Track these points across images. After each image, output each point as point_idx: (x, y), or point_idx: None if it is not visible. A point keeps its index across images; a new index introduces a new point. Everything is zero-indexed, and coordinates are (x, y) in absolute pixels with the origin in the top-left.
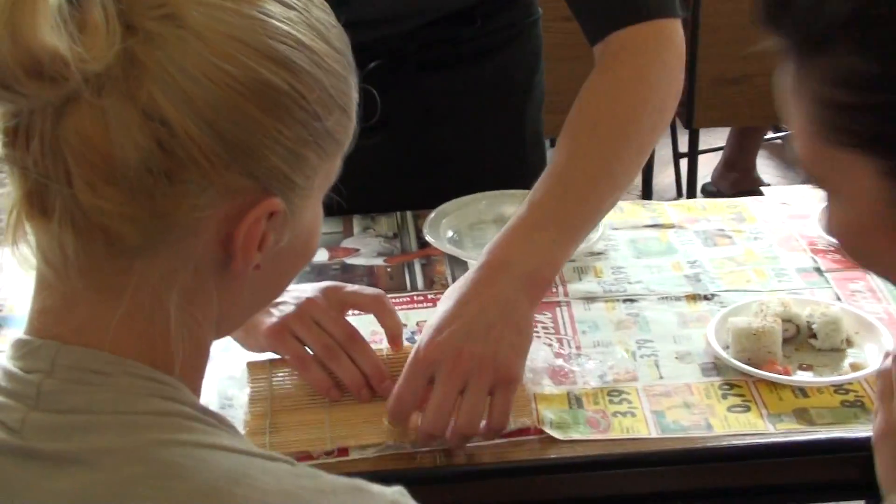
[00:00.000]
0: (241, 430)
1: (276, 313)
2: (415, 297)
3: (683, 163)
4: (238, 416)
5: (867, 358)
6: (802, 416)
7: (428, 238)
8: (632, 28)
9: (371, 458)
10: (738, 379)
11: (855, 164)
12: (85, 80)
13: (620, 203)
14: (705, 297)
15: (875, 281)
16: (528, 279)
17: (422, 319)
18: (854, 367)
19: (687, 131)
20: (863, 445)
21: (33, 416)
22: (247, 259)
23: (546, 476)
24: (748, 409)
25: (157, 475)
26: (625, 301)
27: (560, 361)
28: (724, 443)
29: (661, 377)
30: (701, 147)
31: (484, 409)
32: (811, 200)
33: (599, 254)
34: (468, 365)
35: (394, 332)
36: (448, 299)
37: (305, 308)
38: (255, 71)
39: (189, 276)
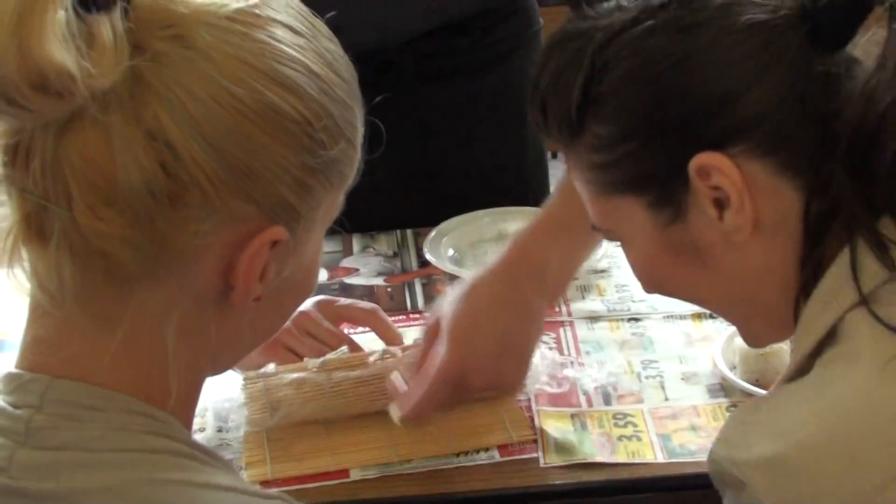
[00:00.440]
0: (238, 452)
1: None
2: (410, 315)
3: None
4: (236, 437)
5: None
6: None
7: (428, 257)
8: None
9: (372, 482)
10: (745, 400)
11: (627, 206)
12: (91, 96)
13: None
14: (711, 316)
15: None
16: (545, 283)
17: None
18: None
19: None
20: None
21: (21, 453)
22: (247, 290)
23: (550, 502)
24: None
25: None
26: (629, 320)
27: (558, 358)
28: None
29: (667, 399)
30: None
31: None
32: None
33: (603, 271)
34: (496, 381)
35: (394, 343)
36: (465, 301)
37: (299, 321)
38: (263, 95)
39: (188, 306)
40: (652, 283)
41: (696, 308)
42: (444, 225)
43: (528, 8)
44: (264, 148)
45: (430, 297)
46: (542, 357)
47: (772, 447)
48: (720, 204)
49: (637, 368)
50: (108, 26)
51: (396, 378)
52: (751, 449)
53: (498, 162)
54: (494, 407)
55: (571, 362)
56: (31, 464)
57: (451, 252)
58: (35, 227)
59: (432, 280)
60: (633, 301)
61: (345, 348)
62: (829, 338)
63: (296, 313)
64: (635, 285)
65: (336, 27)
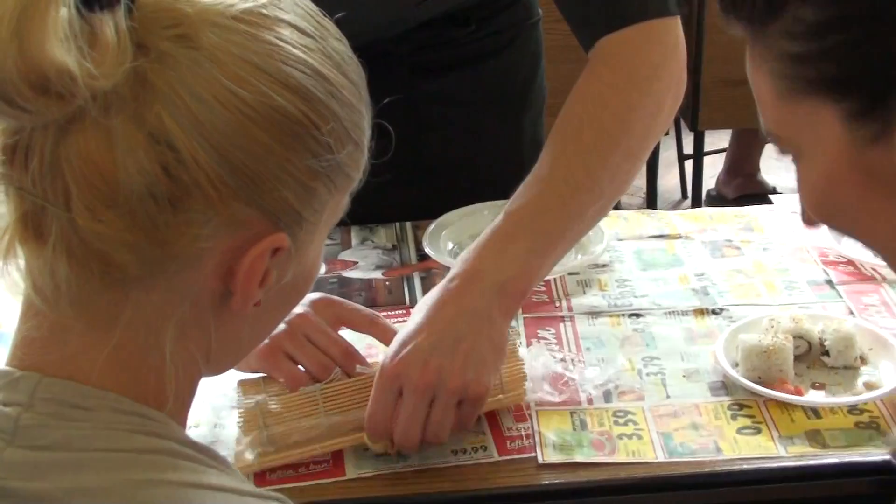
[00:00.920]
0: (233, 448)
1: None
2: (409, 310)
3: (688, 164)
4: (231, 435)
5: (882, 376)
6: (815, 438)
7: (428, 250)
8: (620, 32)
9: (368, 480)
10: (747, 399)
11: (819, 112)
12: (92, 97)
13: (624, 213)
14: (713, 312)
15: (889, 294)
16: (501, 290)
17: None
18: (868, 386)
19: (692, 133)
20: (879, 470)
21: (9, 452)
22: (247, 295)
23: (548, 501)
24: (759, 430)
25: None
26: (630, 316)
27: (560, 367)
28: (734, 467)
29: (668, 396)
30: (706, 149)
31: (451, 421)
32: None
33: (604, 266)
34: (433, 378)
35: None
36: (418, 312)
37: (297, 325)
38: (269, 97)
39: (186, 310)
40: (823, 212)
41: (697, 304)
42: (443, 218)
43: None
44: (269, 151)
45: (428, 291)
46: (544, 366)
47: None
48: None
49: (638, 365)
50: (111, 25)
51: None
52: None
53: (495, 154)
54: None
55: (573, 360)
56: (18, 463)
57: (450, 245)
58: (32, 227)
59: (431, 273)
60: (635, 296)
61: (338, 370)
62: None
63: (293, 315)
64: (637, 280)
65: (333, 18)
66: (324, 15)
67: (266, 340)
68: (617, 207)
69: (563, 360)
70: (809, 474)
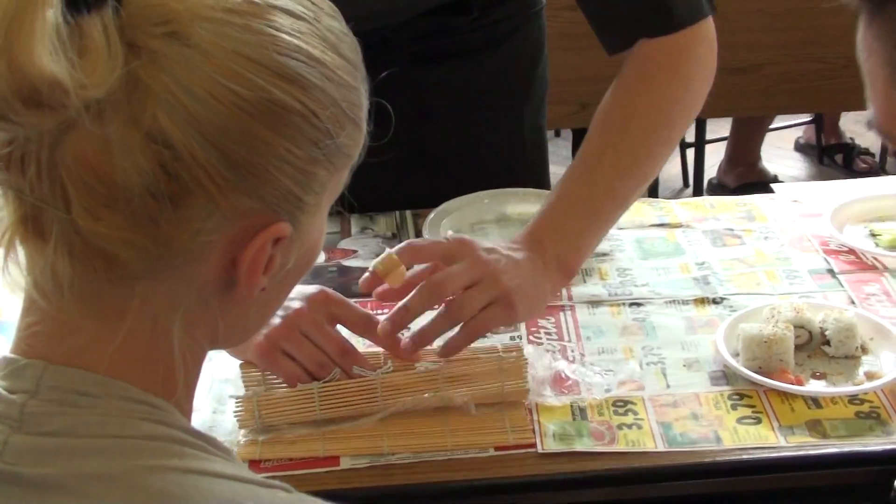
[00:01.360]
0: (233, 436)
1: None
2: None
3: (690, 153)
4: (229, 420)
5: (883, 366)
6: (815, 428)
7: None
8: (664, 38)
9: (363, 471)
10: (748, 388)
11: None
12: (85, 107)
13: None
14: (714, 301)
15: (891, 283)
16: (559, 262)
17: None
18: (869, 376)
19: (694, 121)
20: (879, 460)
21: (16, 438)
22: (252, 283)
23: (547, 492)
24: (759, 420)
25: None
26: (630, 305)
27: (562, 366)
28: (734, 457)
29: (669, 386)
30: (708, 137)
31: (473, 311)
32: (823, 198)
33: (605, 255)
34: (486, 271)
35: (392, 347)
36: (500, 248)
37: (293, 321)
38: (265, 89)
39: (192, 301)
40: None
41: (698, 293)
42: (443, 206)
43: None
44: (268, 144)
45: None
46: (546, 368)
47: None
48: None
49: (638, 355)
50: (99, 29)
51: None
52: None
53: (496, 143)
54: (499, 412)
55: (573, 351)
56: (25, 449)
57: (450, 233)
58: (33, 228)
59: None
60: (635, 286)
61: (337, 370)
62: None
63: (290, 311)
64: (637, 269)
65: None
66: None
67: (262, 338)
68: None
69: (564, 355)
70: (810, 464)
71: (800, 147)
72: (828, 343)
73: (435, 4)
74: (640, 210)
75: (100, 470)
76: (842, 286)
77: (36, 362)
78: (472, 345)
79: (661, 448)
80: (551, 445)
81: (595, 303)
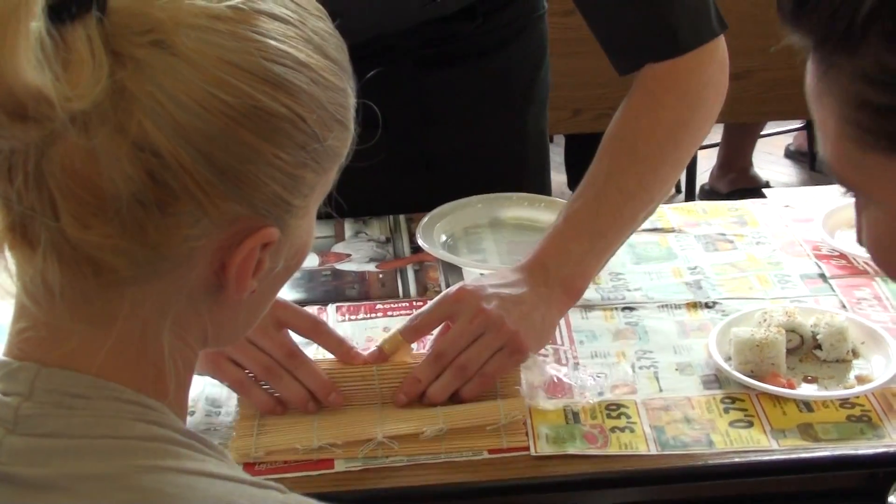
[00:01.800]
0: (229, 435)
1: None
2: (414, 303)
3: None
4: (225, 422)
5: (874, 370)
6: (807, 431)
7: (421, 243)
8: (670, 60)
9: (357, 473)
10: (740, 392)
11: (892, 168)
12: (71, 118)
13: None
14: (706, 305)
15: (882, 288)
16: (563, 285)
17: None
18: (860, 380)
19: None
20: (870, 463)
21: (10, 439)
22: (241, 287)
23: (540, 494)
24: (751, 424)
25: (141, 503)
26: (623, 309)
27: (555, 371)
28: (726, 460)
29: (661, 390)
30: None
31: (483, 360)
32: (815, 203)
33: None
34: (490, 316)
35: (342, 352)
36: (487, 276)
37: None
38: (251, 96)
39: (182, 305)
40: (890, 268)
41: (690, 298)
42: (437, 211)
43: None
44: (255, 150)
45: (422, 284)
46: (540, 374)
47: None
48: None
49: (631, 359)
50: (83, 39)
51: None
52: None
53: (500, 147)
54: (494, 411)
55: (566, 353)
56: (20, 450)
57: (443, 238)
58: (21, 235)
59: (424, 266)
60: (628, 290)
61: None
62: None
63: None
64: (630, 273)
65: (335, 13)
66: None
67: None
68: None
69: (557, 359)
70: (801, 467)
71: (790, 154)
72: (819, 347)
73: (441, 13)
74: None
75: (94, 470)
76: (833, 291)
77: (29, 365)
78: None
79: (653, 451)
80: (544, 448)
81: (588, 307)
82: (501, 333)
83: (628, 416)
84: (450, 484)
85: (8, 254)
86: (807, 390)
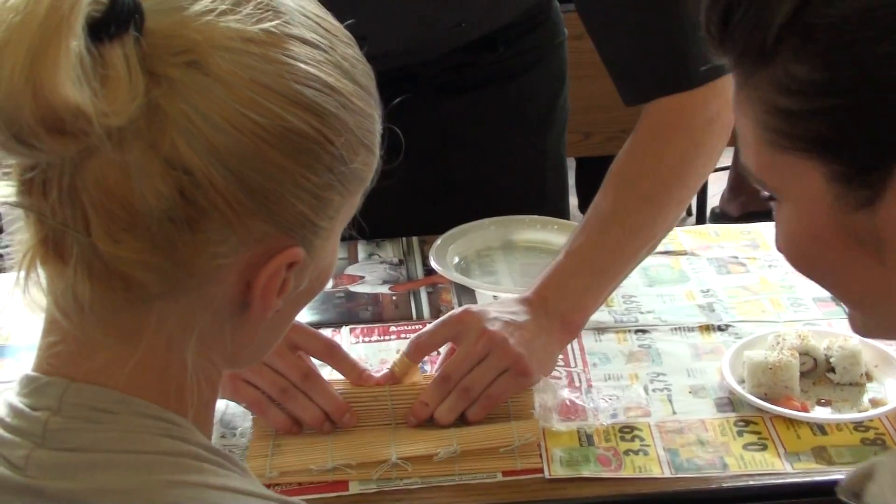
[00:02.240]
0: (243, 456)
1: None
2: (425, 324)
3: None
4: (240, 443)
5: (888, 393)
6: (821, 454)
7: (434, 265)
8: (677, 95)
9: (372, 496)
10: (753, 415)
11: (804, 169)
12: (107, 134)
13: None
14: (719, 328)
15: None
16: (562, 319)
17: None
18: (874, 403)
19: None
20: None
21: (38, 453)
22: (266, 305)
23: None
24: (765, 447)
25: None
26: (636, 332)
27: (568, 393)
28: (740, 483)
29: (675, 412)
30: None
31: (488, 382)
32: None
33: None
34: (493, 338)
35: (356, 375)
36: (508, 308)
37: None
38: (281, 118)
39: (207, 322)
40: (800, 263)
41: (703, 320)
42: (449, 233)
43: (553, 19)
44: (284, 170)
45: (435, 306)
46: (554, 397)
47: None
48: None
49: (644, 381)
50: (121, 58)
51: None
52: None
53: (518, 173)
54: (507, 433)
55: (579, 375)
56: (48, 464)
57: (456, 260)
58: (53, 249)
59: (438, 289)
60: (641, 312)
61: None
62: None
63: None
64: (643, 296)
65: (362, 39)
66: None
67: None
68: None
69: (570, 381)
70: (815, 490)
71: None
72: (833, 370)
73: (463, 42)
74: None
75: (120, 485)
76: (846, 314)
77: (58, 380)
78: None
79: (667, 474)
80: (558, 471)
81: (601, 329)
82: (506, 355)
83: (642, 439)
84: None
85: (40, 269)
86: (821, 413)
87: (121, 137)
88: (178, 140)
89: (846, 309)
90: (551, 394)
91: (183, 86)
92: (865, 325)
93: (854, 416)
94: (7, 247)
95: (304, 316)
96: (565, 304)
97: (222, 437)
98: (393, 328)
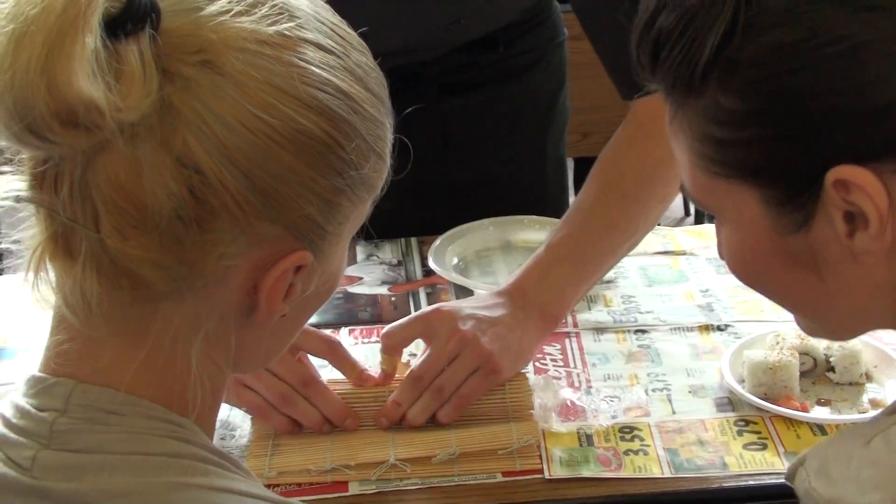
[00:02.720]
0: (243, 456)
1: None
2: None
3: None
4: (239, 444)
5: (887, 393)
6: None
7: (433, 266)
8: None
9: (371, 496)
10: (753, 415)
11: (739, 193)
12: (119, 129)
13: None
14: (718, 328)
15: None
16: (541, 311)
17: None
18: (874, 403)
19: None
20: None
21: (44, 454)
22: (272, 309)
23: None
24: (764, 446)
25: None
26: (636, 332)
27: (569, 393)
28: (740, 483)
29: (674, 412)
30: None
31: (459, 382)
32: None
33: (609, 282)
34: (464, 337)
35: (356, 375)
36: (466, 300)
37: None
38: (293, 120)
39: (213, 323)
40: (745, 277)
41: (703, 320)
42: (448, 234)
43: (553, 19)
44: (294, 172)
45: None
46: (553, 397)
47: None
48: (851, 217)
49: (644, 381)
50: (136, 54)
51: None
52: (864, 495)
53: (519, 171)
54: (507, 434)
55: (578, 375)
56: (53, 465)
57: (455, 261)
58: (62, 246)
59: (437, 289)
60: (640, 312)
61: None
62: None
63: None
64: (642, 296)
65: (362, 36)
66: (347, 27)
67: None
68: None
69: (570, 382)
70: None
71: None
72: (832, 370)
73: (463, 42)
74: (644, 238)
75: (126, 486)
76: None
77: (65, 381)
78: None
79: (667, 474)
80: (558, 471)
81: (600, 329)
82: (476, 354)
83: (642, 439)
84: None
85: (49, 267)
86: (820, 413)
87: (133, 133)
88: (189, 138)
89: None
90: (551, 394)
91: (196, 85)
92: (810, 327)
93: (854, 416)
94: (14, 243)
95: None
96: (544, 296)
97: (222, 438)
98: None
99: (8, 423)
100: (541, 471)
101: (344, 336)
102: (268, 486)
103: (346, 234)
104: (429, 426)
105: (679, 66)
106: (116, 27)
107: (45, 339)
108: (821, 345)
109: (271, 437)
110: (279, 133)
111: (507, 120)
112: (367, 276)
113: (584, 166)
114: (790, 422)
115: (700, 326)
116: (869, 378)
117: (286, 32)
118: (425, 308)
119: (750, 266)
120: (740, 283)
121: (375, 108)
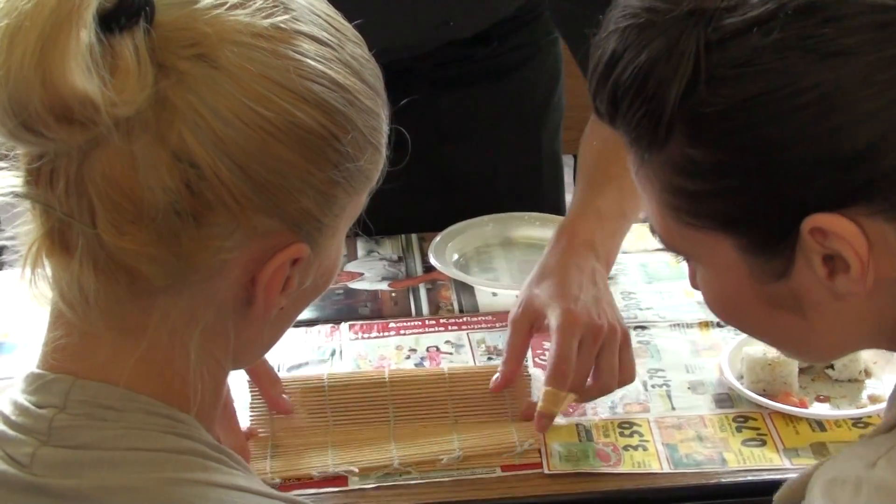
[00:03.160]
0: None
1: None
2: (426, 322)
3: None
4: None
5: (886, 389)
6: (820, 450)
7: (433, 262)
8: None
9: (371, 491)
10: (752, 411)
11: (714, 241)
12: (115, 124)
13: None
14: (718, 324)
15: None
16: (603, 261)
17: (432, 345)
18: (872, 399)
19: None
20: None
21: (44, 451)
22: (269, 302)
23: None
24: (763, 442)
25: None
26: (636, 328)
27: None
28: (739, 478)
29: (674, 408)
30: None
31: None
32: None
33: (609, 278)
34: (604, 326)
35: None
36: (549, 275)
37: None
38: (289, 113)
39: (210, 317)
40: (724, 317)
41: (702, 316)
42: (448, 230)
43: (547, 16)
44: (290, 165)
45: (434, 303)
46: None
47: None
48: (831, 259)
49: (643, 377)
50: (131, 48)
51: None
52: None
53: (514, 167)
54: (509, 436)
55: None
56: (53, 461)
57: (455, 257)
58: (59, 241)
59: (437, 285)
60: (640, 309)
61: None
62: None
63: None
64: (642, 293)
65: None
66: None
67: None
68: None
69: None
70: None
71: None
72: (831, 366)
73: (457, 37)
74: (644, 234)
75: (126, 482)
76: None
77: (63, 377)
78: (479, 369)
79: (666, 469)
80: (557, 466)
81: None
82: (614, 337)
83: (641, 435)
84: (463, 501)
85: (46, 262)
86: (819, 409)
87: (128, 128)
88: (185, 132)
89: None
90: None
91: (191, 78)
92: (792, 355)
93: (852, 412)
94: (10, 239)
95: (304, 313)
96: (605, 247)
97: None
98: (392, 325)
99: (7, 420)
100: (540, 465)
101: (344, 331)
102: (266, 481)
103: (342, 226)
104: (428, 424)
105: (640, 120)
106: (111, 21)
107: (42, 335)
108: None
109: (270, 437)
110: (275, 126)
111: (501, 116)
112: (368, 271)
113: None
114: (789, 418)
115: (699, 323)
116: (868, 374)
117: (281, 25)
118: (513, 309)
119: (729, 308)
120: None
121: (371, 99)
